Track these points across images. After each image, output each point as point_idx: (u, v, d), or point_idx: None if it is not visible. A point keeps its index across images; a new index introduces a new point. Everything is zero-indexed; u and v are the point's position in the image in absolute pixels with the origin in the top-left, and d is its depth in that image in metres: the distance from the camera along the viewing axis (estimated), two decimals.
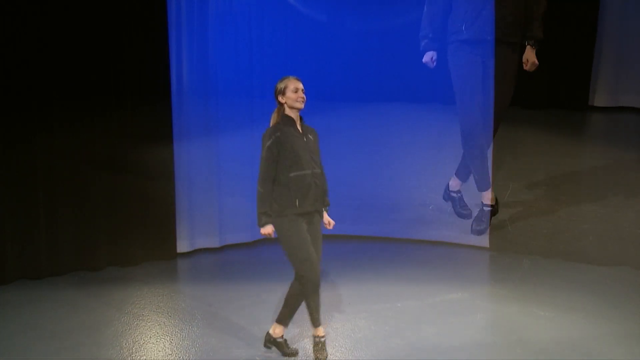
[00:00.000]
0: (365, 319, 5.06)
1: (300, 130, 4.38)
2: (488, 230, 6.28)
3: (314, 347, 4.49)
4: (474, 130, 6.20)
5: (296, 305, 4.48)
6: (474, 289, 5.57)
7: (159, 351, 4.66)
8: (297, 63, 6.21)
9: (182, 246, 6.22)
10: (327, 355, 4.47)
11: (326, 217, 4.49)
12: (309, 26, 6.33)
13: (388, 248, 6.35)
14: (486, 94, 6.17)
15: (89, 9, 5.60)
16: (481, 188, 6.31)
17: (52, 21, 5.51)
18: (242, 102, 6.24)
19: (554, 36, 8.67)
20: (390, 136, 6.46)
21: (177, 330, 4.94)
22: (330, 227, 4.49)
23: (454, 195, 6.44)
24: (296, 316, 4.57)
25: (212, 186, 6.23)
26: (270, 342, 4.58)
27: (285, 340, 4.57)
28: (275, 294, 5.37)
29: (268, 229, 4.34)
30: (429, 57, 6.18)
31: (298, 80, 4.38)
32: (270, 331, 4.57)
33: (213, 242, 6.35)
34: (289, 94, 4.33)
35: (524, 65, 6.39)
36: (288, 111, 4.37)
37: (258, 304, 5.30)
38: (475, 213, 6.37)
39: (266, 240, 6.44)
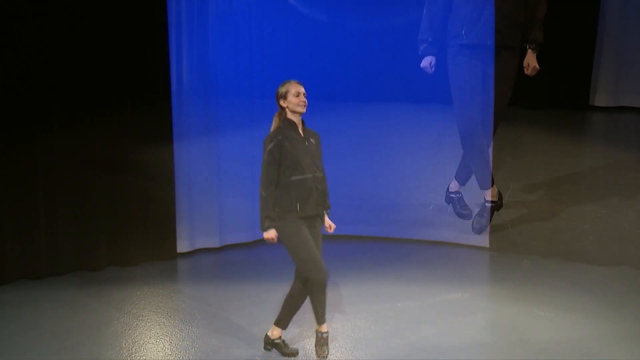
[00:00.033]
0: (365, 319, 5.06)
1: (302, 134, 4.38)
2: (488, 229, 6.28)
3: (316, 342, 4.50)
4: (472, 132, 6.19)
5: (295, 307, 4.49)
6: (474, 289, 5.57)
7: (159, 351, 4.67)
8: (297, 63, 6.22)
9: (182, 246, 6.22)
10: (328, 351, 4.48)
11: (327, 221, 4.49)
12: (309, 26, 6.32)
13: (388, 248, 6.34)
14: (485, 97, 6.16)
15: (89, 9, 5.60)
16: (483, 187, 6.31)
17: (52, 21, 5.50)
18: (242, 102, 6.24)
19: (555, 36, 8.68)
20: (390, 136, 6.46)
21: (177, 330, 4.94)
22: (331, 231, 4.49)
23: (453, 196, 6.45)
24: (296, 316, 4.57)
25: (212, 186, 6.23)
26: (269, 344, 4.59)
27: (284, 340, 4.58)
28: (275, 294, 5.36)
29: (271, 234, 4.34)
30: (427, 62, 6.17)
31: (300, 84, 4.37)
32: (269, 333, 4.59)
33: (213, 242, 6.35)
34: (291, 98, 4.33)
35: (525, 69, 6.40)
36: (290, 115, 4.37)
37: (258, 304, 5.30)
38: (476, 211, 6.36)
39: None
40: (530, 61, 6.36)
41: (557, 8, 8.69)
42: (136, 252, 5.99)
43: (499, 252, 6.18)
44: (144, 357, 4.58)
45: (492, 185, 6.32)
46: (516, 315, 5.11)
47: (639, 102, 9.51)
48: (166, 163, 5.99)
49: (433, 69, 6.19)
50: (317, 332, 4.50)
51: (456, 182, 6.44)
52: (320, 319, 4.45)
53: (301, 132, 4.38)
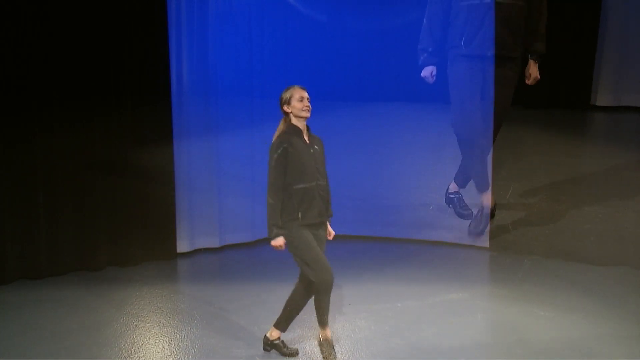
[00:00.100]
0: (365, 319, 5.06)
1: (307, 141, 4.36)
2: (487, 232, 6.27)
3: (321, 348, 4.46)
4: (471, 141, 6.19)
5: (295, 311, 4.49)
6: (474, 289, 5.56)
7: (159, 351, 4.67)
8: (297, 63, 6.22)
9: (182, 246, 6.23)
10: (335, 355, 4.45)
11: (328, 228, 4.49)
12: (309, 26, 6.32)
13: (388, 248, 6.35)
14: (484, 108, 6.15)
15: (89, 9, 5.60)
16: (480, 189, 6.30)
17: (52, 21, 5.51)
18: (242, 102, 6.24)
19: (556, 35, 8.66)
20: (390, 136, 6.46)
21: (177, 330, 4.94)
22: (330, 238, 4.49)
23: (453, 197, 6.44)
24: (298, 317, 4.56)
25: (212, 186, 6.24)
26: (268, 344, 4.60)
27: (283, 341, 4.58)
28: (275, 294, 5.36)
29: (279, 241, 4.31)
30: (428, 72, 6.18)
31: (303, 89, 4.36)
32: (268, 334, 4.59)
33: (213, 242, 6.36)
34: (295, 103, 4.32)
35: (527, 79, 6.42)
36: (294, 120, 4.35)
37: (258, 304, 5.30)
38: (474, 214, 6.36)
39: (266, 240, 6.44)
40: (533, 71, 6.39)
41: (558, 7, 8.70)
42: (136, 252, 6.00)
43: (499, 252, 6.18)
44: (144, 358, 4.58)
45: (488, 190, 6.30)
46: (516, 315, 5.10)
47: None
48: (166, 163, 5.99)
49: (434, 78, 6.18)
50: (320, 337, 4.46)
51: (455, 184, 6.44)
52: (324, 321, 4.42)
53: (306, 138, 4.36)
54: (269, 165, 4.30)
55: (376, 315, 5.11)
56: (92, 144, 5.76)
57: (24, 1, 5.41)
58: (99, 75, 5.69)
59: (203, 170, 6.18)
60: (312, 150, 4.34)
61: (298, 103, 4.31)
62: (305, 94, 4.33)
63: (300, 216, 4.28)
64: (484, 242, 6.27)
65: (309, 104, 4.32)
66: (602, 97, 9.61)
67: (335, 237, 4.53)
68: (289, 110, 4.34)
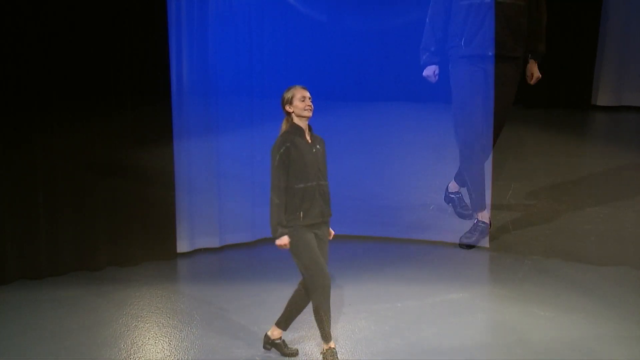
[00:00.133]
0: (365, 319, 5.05)
1: (310, 141, 4.36)
2: (484, 240, 6.26)
3: (324, 358, 4.40)
4: (472, 146, 6.16)
5: (297, 310, 4.47)
6: (474, 289, 5.56)
7: (159, 351, 4.66)
8: (297, 63, 6.22)
9: (182, 246, 6.23)
10: None
11: (328, 228, 4.47)
12: (309, 26, 6.32)
13: (388, 248, 6.34)
14: (486, 111, 6.13)
15: (89, 9, 5.60)
16: (477, 209, 6.28)
17: (52, 21, 5.51)
18: (242, 102, 6.25)
19: (557, 35, 8.67)
20: (391, 136, 6.45)
21: (176, 330, 4.93)
22: (330, 238, 4.48)
23: (453, 196, 6.43)
24: (299, 318, 4.55)
25: (212, 186, 6.24)
26: (269, 343, 4.59)
27: (283, 340, 4.58)
28: (275, 294, 5.36)
29: (284, 240, 4.28)
30: (430, 71, 6.15)
31: (305, 89, 4.35)
32: (269, 333, 4.58)
33: (213, 242, 6.36)
34: (297, 102, 4.31)
35: (528, 79, 6.41)
36: (297, 120, 4.34)
37: (258, 304, 5.30)
38: (468, 227, 6.33)
39: (266, 240, 6.47)
40: (534, 71, 6.38)
41: (559, 7, 8.70)
42: (136, 252, 6.00)
43: (499, 252, 6.17)
44: (144, 358, 4.58)
45: (484, 209, 6.28)
46: (516, 315, 5.09)
47: None
48: (166, 163, 5.99)
49: (437, 78, 6.16)
50: (326, 350, 4.38)
51: (455, 183, 6.42)
52: (327, 335, 4.36)
53: (308, 138, 4.36)
54: (271, 165, 4.29)
55: (376, 315, 5.11)
56: (92, 144, 5.77)
57: (24, 1, 5.41)
58: (99, 75, 5.69)
59: (203, 170, 6.18)
60: (314, 150, 4.34)
61: (300, 103, 4.30)
62: (307, 94, 4.33)
63: (301, 215, 4.28)
64: (484, 242, 6.26)
65: (310, 104, 4.32)
66: (603, 97, 9.61)
67: (335, 237, 4.52)
68: (290, 110, 4.34)
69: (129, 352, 4.64)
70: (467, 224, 6.36)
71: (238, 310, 5.21)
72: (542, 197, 7.17)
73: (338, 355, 4.41)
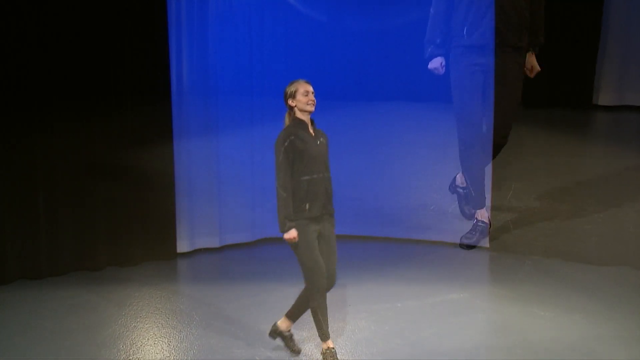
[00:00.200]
0: (365, 319, 5.05)
1: (313, 134, 4.35)
2: (484, 240, 6.24)
3: (324, 358, 4.40)
4: (473, 145, 6.13)
5: (306, 304, 4.44)
6: (474, 289, 5.55)
7: (159, 352, 4.66)
8: (297, 63, 6.21)
9: (182, 246, 6.22)
10: None
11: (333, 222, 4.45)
12: (309, 26, 6.31)
13: (388, 248, 6.34)
14: (488, 107, 6.09)
15: (89, 9, 5.60)
16: (476, 206, 6.25)
17: (52, 21, 5.51)
18: (242, 102, 6.24)
19: (558, 34, 8.66)
20: (391, 136, 6.44)
21: (176, 330, 4.94)
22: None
23: (460, 191, 6.38)
24: (304, 318, 4.54)
25: (212, 186, 6.23)
26: (276, 333, 4.55)
27: (292, 335, 4.55)
28: (275, 294, 5.38)
29: (293, 233, 4.25)
30: (437, 62, 6.08)
31: (308, 83, 4.34)
32: (278, 323, 4.54)
33: (213, 242, 6.35)
34: (299, 97, 4.30)
35: (527, 72, 6.36)
36: (299, 114, 4.33)
37: (258, 304, 5.29)
38: (468, 227, 6.31)
39: (266, 240, 6.48)
40: (534, 64, 6.32)
41: (561, 5, 8.69)
42: (136, 252, 5.99)
43: (499, 252, 6.16)
44: (144, 358, 4.58)
45: (484, 207, 6.25)
46: (516, 316, 5.09)
47: None
48: (166, 163, 5.99)
49: (444, 69, 6.10)
50: (325, 349, 4.39)
51: (463, 176, 6.35)
52: (325, 334, 4.36)
53: (311, 131, 4.35)
54: (275, 159, 4.27)
55: (376, 315, 5.11)
56: (92, 144, 5.76)
57: (24, 1, 5.41)
58: (99, 75, 5.69)
59: (203, 170, 6.18)
60: (318, 143, 4.33)
61: (303, 97, 4.29)
62: (310, 88, 4.32)
63: (307, 207, 4.26)
64: (484, 242, 6.25)
65: (313, 98, 4.31)
66: (604, 96, 9.59)
67: (335, 237, 4.51)
68: (293, 104, 4.32)
69: (129, 352, 4.64)
70: (468, 224, 6.35)
71: (238, 310, 5.21)
72: (543, 197, 7.16)
73: (338, 355, 4.41)
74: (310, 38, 6.30)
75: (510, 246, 6.24)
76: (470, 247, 6.22)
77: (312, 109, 4.32)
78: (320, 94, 4.40)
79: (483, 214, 6.25)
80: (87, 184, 5.78)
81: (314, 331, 4.48)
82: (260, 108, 6.23)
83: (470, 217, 6.35)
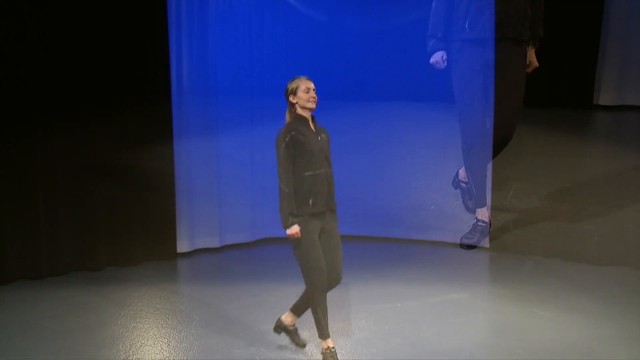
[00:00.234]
0: (365, 319, 5.05)
1: (314, 130, 4.34)
2: (484, 241, 6.23)
3: (324, 358, 4.39)
4: (477, 141, 6.11)
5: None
6: (474, 289, 5.55)
7: (159, 351, 4.66)
8: (297, 62, 6.21)
9: (182, 246, 6.23)
10: None
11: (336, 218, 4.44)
12: (309, 26, 6.31)
13: (388, 248, 6.34)
14: (492, 101, 6.04)
15: (89, 9, 5.61)
16: (477, 204, 6.24)
17: (52, 21, 5.51)
18: (242, 102, 6.25)
19: (558, 33, 8.64)
20: (391, 136, 6.44)
21: (176, 330, 4.93)
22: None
23: (463, 185, 6.35)
24: (301, 319, 4.55)
25: (212, 186, 6.24)
26: (281, 328, 4.55)
27: (296, 329, 4.54)
28: (275, 294, 5.37)
29: (295, 229, 4.23)
30: (439, 56, 6.06)
31: (309, 80, 4.34)
32: (283, 317, 4.54)
33: (213, 242, 6.36)
34: (301, 94, 4.29)
35: (527, 67, 6.33)
36: (300, 111, 4.32)
37: (258, 304, 5.29)
38: (469, 227, 6.30)
39: (266, 240, 6.48)
40: (532, 60, 6.29)
41: (561, 5, 8.68)
42: (136, 252, 6.00)
43: (499, 252, 6.16)
44: (144, 358, 4.58)
45: (485, 206, 6.24)
46: (516, 315, 5.09)
47: None
48: (166, 163, 5.99)
49: (445, 63, 6.06)
50: (324, 349, 4.38)
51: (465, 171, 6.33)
52: (324, 332, 4.35)
53: (312, 127, 4.34)
54: (277, 155, 4.25)
55: (376, 315, 5.10)
56: (92, 144, 5.77)
57: (24, 1, 5.41)
58: (99, 75, 5.70)
59: (203, 170, 6.18)
60: (319, 138, 4.32)
61: (304, 94, 4.28)
62: (312, 85, 4.31)
63: (311, 203, 4.25)
64: (484, 242, 6.25)
65: (314, 95, 4.30)
66: (605, 96, 9.57)
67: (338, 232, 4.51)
68: (294, 101, 4.31)
69: (129, 352, 4.63)
70: (468, 224, 6.34)
71: (238, 310, 5.21)
72: (543, 197, 7.15)
73: (338, 355, 4.40)
74: (310, 38, 6.30)
75: (511, 246, 6.24)
76: (470, 247, 6.22)
77: (313, 106, 4.31)
78: (320, 94, 4.39)
79: (483, 214, 6.25)
80: (87, 184, 5.78)
81: (314, 330, 4.48)
82: (260, 108, 6.23)
83: (474, 211, 6.32)
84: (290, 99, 4.32)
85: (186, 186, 6.13)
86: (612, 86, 9.53)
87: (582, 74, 9.39)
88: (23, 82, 5.49)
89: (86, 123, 5.71)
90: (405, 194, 6.45)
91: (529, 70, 6.34)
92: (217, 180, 6.23)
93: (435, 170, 6.40)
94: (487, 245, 6.24)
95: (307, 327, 4.70)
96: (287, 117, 4.36)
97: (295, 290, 4.58)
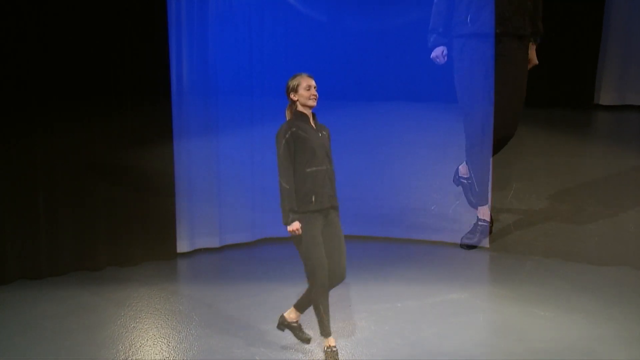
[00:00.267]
0: (365, 319, 5.05)
1: (315, 127, 4.33)
2: (485, 241, 6.23)
3: (325, 357, 4.39)
4: (480, 137, 6.10)
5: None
6: (474, 289, 5.54)
7: (159, 352, 4.66)
8: (297, 62, 6.18)
9: (182, 246, 6.23)
10: None
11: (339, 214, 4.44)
12: (309, 26, 6.31)
13: (388, 248, 6.34)
14: (495, 96, 6.02)
15: (89, 9, 5.61)
16: (479, 202, 6.23)
17: (53, 21, 5.51)
18: (242, 102, 6.25)
19: (559, 33, 8.64)
20: (391, 136, 6.44)
21: (176, 331, 4.93)
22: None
23: (464, 181, 6.33)
24: (310, 319, 4.54)
25: (212, 186, 6.24)
26: (284, 325, 4.54)
27: (300, 325, 4.52)
28: (275, 294, 5.37)
29: (296, 225, 4.22)
30: (439, 51, 6.02)
31: (310, 77, 4.33)
32: (286, 314, 4.53)
33: (213, 242, 6.36)
34: (302, 91, 4.28)
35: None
36: (301, 108, 4.32)
37: (258, 304, 5.29)
38: (469, 227, 6.30)
39: (266, 240, 6.48)
40: (532, 57, 6.26)
41: (562, 4, 8.68)
42: (136, 252, 6.00)
43: (499, 252, 6.16)
44: (144, 358, 4.58)
45: (487, 204, 6.23)
46: (516, 315, 5.08)
47: None
48: (166, 163, 5.99)
49: (445, 58, 6.03)
50: (325, 347, 4.39)
51: (466, 166, 6.29)
52: (326, 330, 4.35)
53: (313, 124, 4.33)
54: (277, 152, 4.24)
55: (376, 315, 5.10)
56: (92, 144, 5.77)
57: (24, 1, 5.41)
58: (99, 75, 5.70)
59: (203, 170, 6.18)
60: (320, 135, 4.31)
61: (305, 92, 4.28)
62: (313, 83, 4.31)
63: (314, 199, 4.24)
64: (485, 242, 6.24)
65: (316, 93, 4.30)
66: (606, 96, 9.57)
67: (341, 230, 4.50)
68: (295, 98, 4.31)
69: (128, 353, 4.63)
70: (468, 224, 6.34)
71: (238, 310, 5.20)
72: (543, 197, 7.15)
73: (338, 354, 4.40)
74: (310, 38, 6.30)
75: (511, 246, 6.24)
76: (470, 247, 6.21)
77: (314, 103, 4.31)
78: (320, 94, 4.38)
79: (485, 212, 6.22)
80: (87, 184, 5.78)
81: (316, 329, 4.48)
82: (260, 108, 6.23)
83: (477, 206, 6.29)
84: (292, 96, 4.32)
85: (186, 186, 6.13)
86: (612, 86, 9.53)
87: (583, 73, 9.39)
88: (23, 82, 5.49)
89: (86, 123, 5.71)
90: (405, 194, 6.44)
91: (528, 67, 6.32)
92: (217, 180, 6.23)
93: (436, 170, 6.39)
94: (487, 245, 6.24)
95: (308, 327, 4.71)
96: (287, 115, 4.36)
97: (295, 290, 4.58)
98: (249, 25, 6.15)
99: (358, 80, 6.37)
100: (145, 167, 5.93)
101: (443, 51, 6.04)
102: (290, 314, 4.52)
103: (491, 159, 6.18)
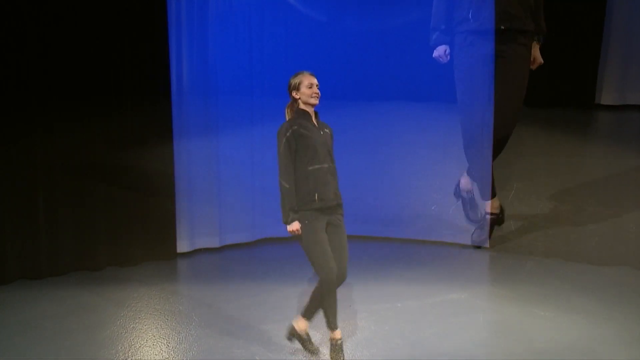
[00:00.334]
0: (365, 319, 5.04)
1: (316, 125, 4.31)
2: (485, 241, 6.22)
3: (330, 349, 4.40)
4: (477, 135, 6.08)
5: (319, 301, 4.42)
6: (474, 289, 5.54)
7: (159, 352, 4.66)
8: (297, 62, 6.18)
9: (182, 246, 6.24)
10: (343, 357, 4.39)
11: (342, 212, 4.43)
12: (309, 26, 6.32)
13: (388, 248, 6.34)
14: (495, 94, 5.99)
15: (90, 9, 5.61)
16: (484, 197, 6.21)
17: (52, 21, 5.52)
18: (242, 102, 6.26)
19: (560, 32, 8.62)
20: (391, 136, 6.44)
21: (176, 331, 4.93)
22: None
23: (465, 195, 6.32)
24: (317, 320, 4.53)
25: (212, 186, 6.24)
26: (294, 335, 4.50)
27: (309, 336, 4.48)
28: (275, 294, 5.37)
29: (296, 225, 4.21)
30: (441, 50, 5.99)
31: (312, 75, 4.32)
32: (294, 324, 4.48)
33: (213, 242, 6.37)
34: (304, 89, 4.27)
35: (531, 64, 6.28)
36: (303, 106, 4.30)
37: (258, 304, 5.29)
38: (469, 227, 6.29)
39: (266, 240, 6.48)
40: (537, 56, 6.22)
41: (563, 4, 8.66)
42: (136, 252, 6.00)
43: (499, 252, 6.16)
44: (144, 358, 4.58)
45: (493, 197, 6.21)
46: (516, 315, 5.08)
47: None
48: (166, 163, 6.00)
49: (448, 57, 6.00)
50: (330, 339, 4.41)
51: (467, 177, 6.27)
52: (331, 324, 4.35)
53: (315, 122, 4.32)
54: (277, 150, 4.22)
55: (376, 315, 5.10)
56: (92, 144, 5.78)
57: (24, 1, 5.42)
58: (99, 75, 5.70)
59: (203, 170, 6.19)
60: (322, 133, 4.29)
61: (307, 90, 4.26)
62: (315, 81, 4.29)
63: (317, 198, 4.22)
64: (484, 242, 6.24)
65: (317, 91, 4.28)
66: (607, 96, 9.54)
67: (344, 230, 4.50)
68: (297, 97, 4.29)
69: (128, 353, 4.63)
70: (468, 225, 6.34)
71: (238, 310, 5.20)
72: (544, 197, 7.15)
73: (343, 348, 4.39)
74: (310, 38, 6.30)
75: (511, 246, 6.24)
76: (480, 246, 6.18)
77: (316, 101, 4.29)
78: (320, 94, 4.38)
79: (492, 205, 6.17)
80: (87, 184, 5.78)
81: (323, 329, 4.48)
82: (260, 108, 6.24)
83: (476, 222, 6.31)
84: (293, 94, 4.30)
85: (186, 186, 6.14)
86: (613, 86, 9.49)
87: (584, 73, 9.36)
88: (23, 82, 5.50)
89: (86, 123, 5.72)
90: (405, 194, 6.44)
91: (534, 66, 6.27)
92: (217, 180, 6.24)
93: (436, 171, 6.39)
94: (487, 245, 6.23)
95: (315, 326, 4.71)
96: (289, 112, 4.34)
97: (295, 290, 4.57)
98: (249, 25, 6.16)
99: (358, 80, 6.37)
100: (145, 167, 5.93)
101: (446, 50, 6.00)
102: (299, 324, 4.46)
103: (491, 154, 6.14)
